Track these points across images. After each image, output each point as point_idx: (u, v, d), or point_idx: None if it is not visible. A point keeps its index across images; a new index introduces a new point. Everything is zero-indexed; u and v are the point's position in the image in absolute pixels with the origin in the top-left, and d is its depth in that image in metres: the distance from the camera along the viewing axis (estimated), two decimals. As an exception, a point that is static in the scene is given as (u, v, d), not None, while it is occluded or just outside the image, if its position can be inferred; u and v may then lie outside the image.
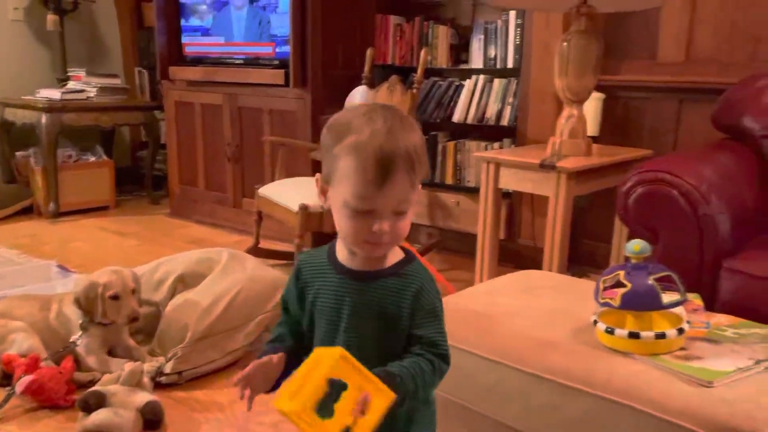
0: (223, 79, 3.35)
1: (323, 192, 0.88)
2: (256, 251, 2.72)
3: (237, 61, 3.33)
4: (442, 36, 3.12)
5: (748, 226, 1.72)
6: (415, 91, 2.64)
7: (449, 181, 3.15)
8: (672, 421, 1.02)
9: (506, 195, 2.84)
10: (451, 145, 3.12)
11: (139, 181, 4.32)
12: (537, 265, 2.23)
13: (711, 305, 1.52)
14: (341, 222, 0.85)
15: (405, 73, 3.12)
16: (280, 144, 2.89)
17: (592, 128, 2.55)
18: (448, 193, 3.11)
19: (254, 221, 2.77)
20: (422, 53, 2.66)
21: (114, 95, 3.94)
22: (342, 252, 0.90)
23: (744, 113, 2.00)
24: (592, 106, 2.54)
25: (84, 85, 3.86)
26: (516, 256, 2.89)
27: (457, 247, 3.11)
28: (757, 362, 1.13)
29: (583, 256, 2.79)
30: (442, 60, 3.13)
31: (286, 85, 3.03)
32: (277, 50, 3.13)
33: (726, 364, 1.12)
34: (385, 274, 0.88)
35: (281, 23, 3.07)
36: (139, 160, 4.47)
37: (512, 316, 1.35)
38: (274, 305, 2.07)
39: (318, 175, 0.88)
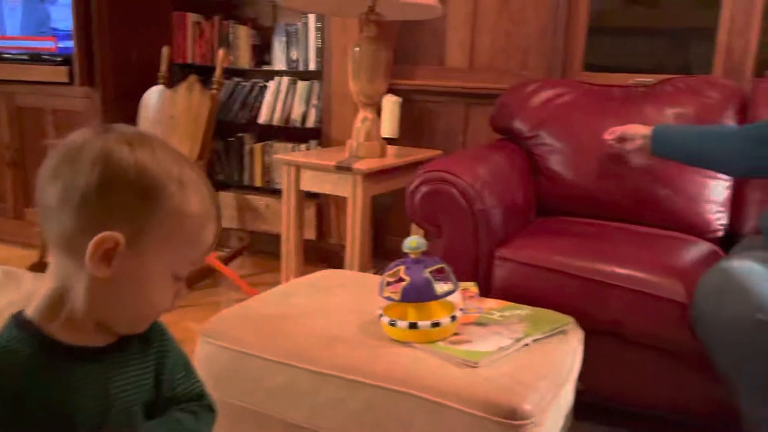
0: (-2, 76, 2.99)
1: (113, 257, 0.66)
2: (40, 267, 2.47)
3: (13, 57, 2.99)
4: (244, 36, 3.07)
5: (518, 218, 1.92)
6: (214, 91, 2.57)
7: (258, 183, 3.12)
8: (444, 403, 1.10)
9: (315, 195, 2.88)
10: (258, 147, 3.09)
11: None
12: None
13: (487, 292, 1.68)
14: (154, 292, 0.70)
15: (206, 72, 3.02)
16: (66, 147, 2.65)
17: (390, 130, 2.68)
18: (258, 195, 3.08)
19: (37, 234, 2.51)
20: (220, 53, 2.60)
21: None
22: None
23: (514, 116, 2.23)
24: (390, 109, 2.68)
25: None
26: (327, 255, 2.95)
27: (269, 249, 3.09)
28: (517, 340, 1.27)
29: (389, 251, 2.92)
30: (245, 60, 3.09)
31: (71, 83, 2.79)
32: (60, 45, 2.86)
33: (490, 344, 1.24)
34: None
35: (63, 16, 2.81)
36: None
37: (305, 316, 1.37)
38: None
39: (104, 236, 0.65)
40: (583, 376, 1.43)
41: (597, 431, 1.64)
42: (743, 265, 1.35)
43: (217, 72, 2.58)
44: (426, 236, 1.91)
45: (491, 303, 1.47)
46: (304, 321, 1.35)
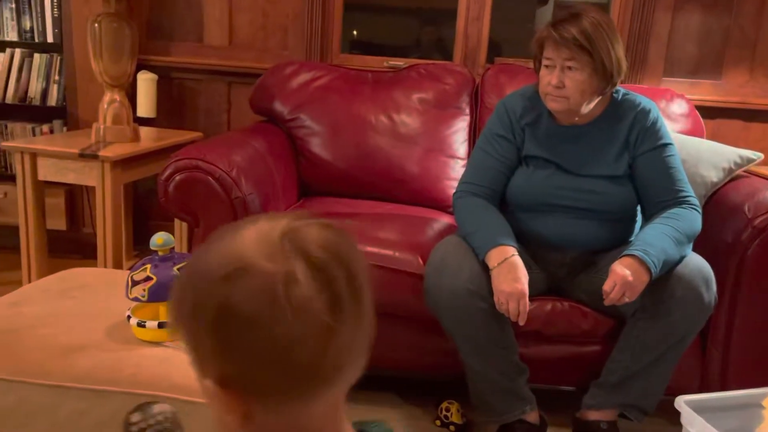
0: None
1: None
2: None
3: None
4: (-39, -1, 2.64)
5: (279, 202, 1.96)
6: None
7: (-7, 169, 2.74)
8: (195, 401, 1.10)
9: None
10: (-12, 127, 2.70)
11: None
12: (95, 255, 2.13)
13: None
14: None
15: None
16: None
17: (147, 109, 2.52)
18: (-8, 183, 2.70)
19: None
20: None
21: None
22: None
23: (274, 98, 2.25)
24: (145, 88, 2.51)
25: None
26: (81, 246, 2.71)
27: (9, 243, 2.74)
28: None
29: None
30: (-36, 28, 2.66)
31: None
32: None
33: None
34: None
35: None
36: None
37: (39, 326, 1.25)
38: None
39: None
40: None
41: (357, 396, 1.76)
42: (460, 242, 1.56)
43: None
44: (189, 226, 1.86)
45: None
46: (37, 332, 1.24)
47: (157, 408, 0.92)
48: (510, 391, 1.55)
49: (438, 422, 1.68)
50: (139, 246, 2.75)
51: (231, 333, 0.49)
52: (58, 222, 2.65)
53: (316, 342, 0.50)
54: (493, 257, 1.46)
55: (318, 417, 0.54)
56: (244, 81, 2.66)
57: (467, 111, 2.23)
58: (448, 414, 1.67)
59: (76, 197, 2.75)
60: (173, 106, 2.71)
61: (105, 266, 2.00)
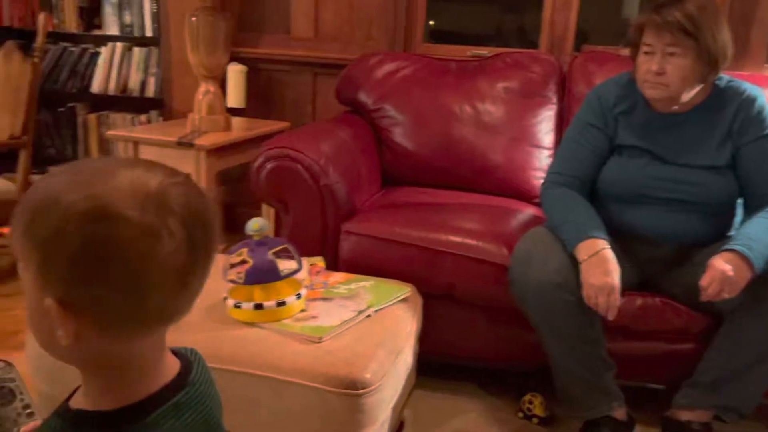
0: None
1: None
2: None
3: None
4: (69, -3, 2.82)
5: (363, 191, 1.99)
6: (36, 60, 2.35)
7: (95, 157, 2.92)
8: (287, 380, 1.15)
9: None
10: (92, 117, 2.88)
11: None
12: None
13: (335, 265, 1.73)
14: None
15: (27, 36, 2.74)
16: None
17: (237, 100, 2.61)
18: (95, 170, 2.88)
19: None
20: (41, 17, 2.37)
21: None
22: None
23: (359, 89, 2.28)
24: (235, 79, 2.60)
25: None
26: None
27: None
28: (360, 312, 1.34)
29: (241, 225, 2.88)
30: (71, 24, 2.83)
31: None
32: None
33: (335, 318, 1.30)
34: None
35: None
36: None
37: (145, 304, 1.34)
38: None
39: None
40: (424, 338, 1.55)
41: (437, 385, 1.78)
42: (547, 233, 1.53)
43: (39, 39, 2.35)
44: (277, 212, 1.92)
45: (337, 276, 1.53)
46: (145, 308, 1.32)
47: None
48: (596, 386, 1.52)
49: (521, 414, 1.67)
50: (226, 232, 2.86)
51: (90, 268, 0.53)
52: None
53: (170, 290, 0.55)
54: (583, 250, 1.43)
55: (147, 347, 0.60)
56: (329, 72, 2.71)
57: (554, 100, 2.18)
58: (531, 406, 1.65)
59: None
60: (261, 97, 2.79)
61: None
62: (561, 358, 1.52)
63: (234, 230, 2.83)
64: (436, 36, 2.97)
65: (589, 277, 1.40)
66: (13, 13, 2.83)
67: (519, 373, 1.83)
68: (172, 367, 0.64)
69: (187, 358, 0.68)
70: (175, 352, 0.67)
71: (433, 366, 1.75)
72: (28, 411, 0.83)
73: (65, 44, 2.86)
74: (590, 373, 1.51)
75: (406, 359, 1.38)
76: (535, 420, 1.65)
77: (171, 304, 0.57)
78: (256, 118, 2.71)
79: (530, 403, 1.66)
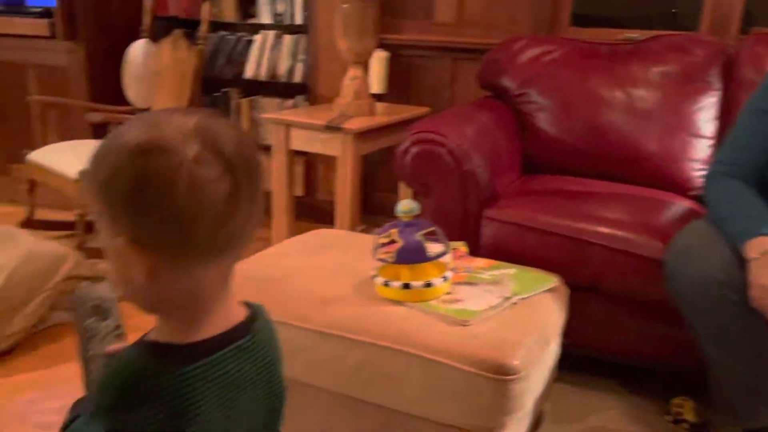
0: (-25, 29, 2.92)
1: None
2: (31, 224, 2.48)
3: (-10, 8, 2.92)
4: (228, -12, 3.01)
5: (505, 177, 1.96)
6: (201, 47, 2.54)
7: (245, 138, 3.11)
8: (435, 360, 1.16)
9: (303, 151, 2.89)
10: (245, 102, 3.07)
11: None
12: (334, 218, 2.33)
13: (476, 251, 1.73)
14: None
15: (190, 25, 2.97)
16: (50, 104, 2.62)
17: (378, 86, 2.68)
18: (245, 151, 3.07)
19: (26, 191, 2.51)
20: (204, 7, 2.55)
21: None
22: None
23: (502, 73, 2.24)
24: (378, 65, 2.67)
25: None
26: (315, 211, 2.98)
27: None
28: (506, 299, 1.33)
29: (376, 207, 2.96)
30: (230, 14, 3.03)
31: (53, 36, 2.73)
32: (38, -3, 2.79)
33: (481, 303, 1.30)
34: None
35: (41, -34, 2.74)
36: None
37: (298, 276, 1.41)
38: (57, 282, 1.93)
39: None
40: (566, 330, 1.51)
41: (580, 381, 1.73)
42: (710, 227, 1.42)
43: (203, 27, 2.54)
44: (414, 195, 1.95)
45: (480, 262, 1.53)
46: (297, 281, 1.39)
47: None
48: (758, 393, 1.40)
49: (668, 417, 1.58)
50: (364, 214, 2.94)
51: (144, 201, 0.58)
52: (297, 188, 2.94)
53: (214, 219, 0.59)
54: (754, 248, 1.32)
55: (210, 283, 0.65)
56: (469, 57, 2.69)
57: (717, 86, 2.02)
58: (681, 410, 1.56)
59: (312, 166, 3.02)
60: (401, 82, 2.83)
61: (341, 230, 2.19)
62: (719, 360, 1.41)
63: (370, 212, 2.91)
64: (579, 21, 2.85)
65: (760, 277, 1.29)
66: (180, 4, 3.06)
67: (666, 373, 1.73)
68: (238, 313, 0.70)
69: (254, 309, 0.73)
70: (244, 303, 0.73)
71: (573, 359, 1.70)
72: (118, 332, 0.88)
73: (223, 33, 3.06)
74: (751, 377, 1.39)
75: (552, 350, 1.35)
76: (685, 425, 1.55)
77: (222, 230, 0.61)
78: (395, 103, 2.76)
79: (680, 406, 1.57)
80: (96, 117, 2.46)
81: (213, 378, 0.64)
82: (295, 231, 2.29)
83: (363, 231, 2.29)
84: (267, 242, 2.28)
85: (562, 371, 1.56)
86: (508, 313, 1.28)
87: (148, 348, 0.65)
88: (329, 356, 1.25)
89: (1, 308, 1.77)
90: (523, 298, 1.35)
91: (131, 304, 0.66)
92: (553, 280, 1.45)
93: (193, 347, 0.64)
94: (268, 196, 2.46)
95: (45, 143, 2.55)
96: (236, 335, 0.68)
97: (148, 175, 0.58)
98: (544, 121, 2.15)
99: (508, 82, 2.23)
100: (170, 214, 0.58)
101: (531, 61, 2.22)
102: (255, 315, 0.72)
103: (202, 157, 0.58)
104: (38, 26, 2.75)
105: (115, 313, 0.90)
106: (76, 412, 0.77)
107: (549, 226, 1.66)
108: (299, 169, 2.94)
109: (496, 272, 1.46)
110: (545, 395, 1.42)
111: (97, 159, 0.61)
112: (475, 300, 1.31)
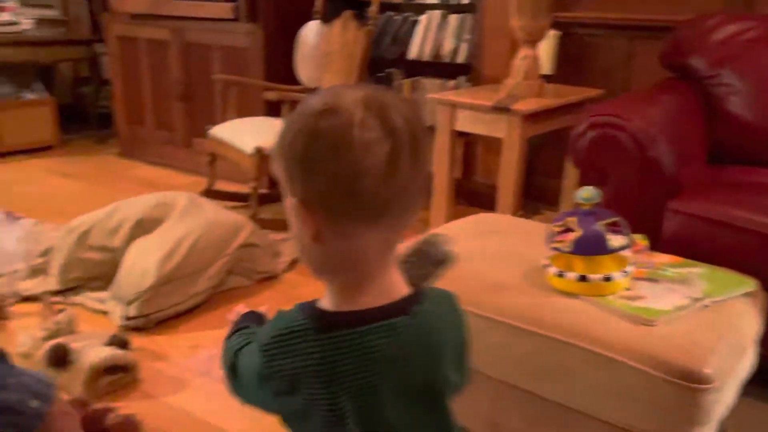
0: (170, 13, 3.20)
1: None
2: (211, 194, 2.69)
3: (182, -7, 3.18)
4: (396, -32, 3.03)
5: (691, 167, 1.79)
6: (370, 27, 2.58)
7: (405, 119, 3.14)
8: (614, 358, 1.09)
9: (463, 133, 2.86)
10: (407, 82, 3.09)
11: (83, 119, 4.15)
12: (492, 202, 2.29)
13: (656, 245, 1.60)
14: None
15: (359, 6, 3.03)
16: (231, 82, 2.81)
17: (547, 67, 2.56)
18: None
19: (207, 163, 2.72)
20: (376, -12, 2.59)
21: (52, 28, 3.73)
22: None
23: (692, 53, 2.05)
24: (548, 44, 2.55)
25: (17, 16, 3.64)
26: (472, 194, 2.95)
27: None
28: (694, 300, 1.21)
29: (536, 192, 2.87)
30: (397, -6, 3.06)
31: (236, 19, 2.92)
32: (225, -18, 2.99)
33: (666, 302, 1.20)
34: None
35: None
36: (81, 96, 4.28)
37: (466, 260, 1.38)
38: (235, 248, 2.08)
39: None
40: (763, 340, 1.35)
41: (764, 395, 1.55)
42: None
43: (373, 8, 2.58)
44: (581, 183, 1.84)
45: (663, 258, 1.41)
46: (466, 265, 1.37)
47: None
48: None
49: None
50: (525, 199, 2.86)
51: (314, 158, 0.63)
52: (455, 170, 2.92)
53: (376, 176, 0.62)
54: None
55: (372, 249, 0.67)
56: (648, 35, 2.49)
57: None
58: None
59: (472, 148, 2.98)
60: (570, 63, 2.69)
61: (503, 214, 2.13)
62: None
63: (529, 197, 2.82)
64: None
65: None
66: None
67: None
68: (398, 290, 0.70)
69: (423, 292, 0.72)
70: (419, 289, 0.72)
71: (765, 373, 1.53)
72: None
73: (390, 13, 3.09)
74: None
75: (747, 361, 1.21)
76: None
77: (382, 189, 0.63)
78: (564, 84, 2.63)
79: None
80: (271, 95, 2.60)
81: (354, 348, 0.66)
82: (453, 214, 2.28)
83: (521, 216, 2.21)
84: (425, 223, 2.29)
85: (750, 384, 1.40)
86: (697, 316, 1.17)
87: (305, 309, 0.69)
88: (497, 343, 1.22)
89: (188, 270, 1.94)
90: (715, 301, 1.22)
91: (305, 266, 0.71)
92: (750, 284, 1.30)
93: (344, 315, 0.67)
94: (429, 176, 2.47)
95: (225, 119, 2.75)
96: (391, 313, 0.68)
97: (319, 133, 0.63)
98: (738, 105, 1.94)
99: (697, 62, 2.03)
100: (335, 171, 0.62)
101: (726, 40, 2.01)
102: (420, 297, 0.71)
103: (366, 120, 0.62)
104: (224, 9, 2.96)
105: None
106: (245, 323, 0.86)
107: (744, 222, 1.49)
108: (458, 151, 2.91)
109: (682, 270, 1.34)
110: (732, 409, 1.28)
111: (285, 125, 0.67)
112: (659, 299, 1.21)
